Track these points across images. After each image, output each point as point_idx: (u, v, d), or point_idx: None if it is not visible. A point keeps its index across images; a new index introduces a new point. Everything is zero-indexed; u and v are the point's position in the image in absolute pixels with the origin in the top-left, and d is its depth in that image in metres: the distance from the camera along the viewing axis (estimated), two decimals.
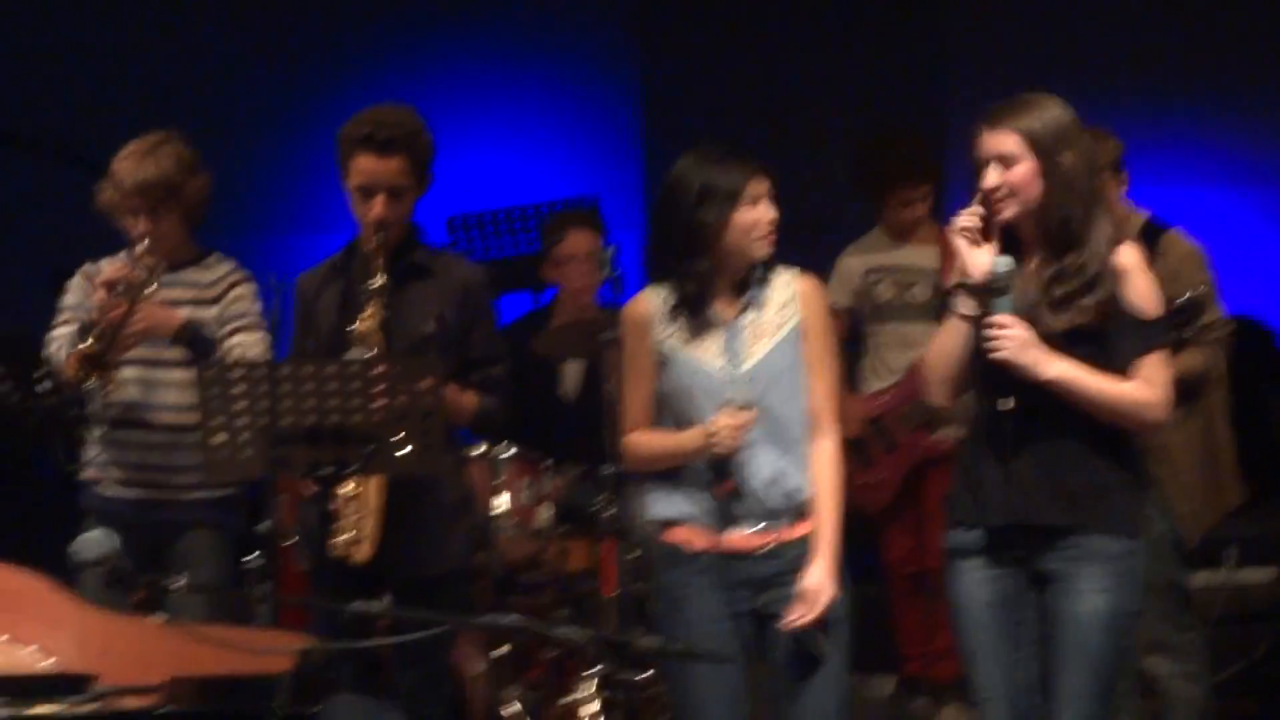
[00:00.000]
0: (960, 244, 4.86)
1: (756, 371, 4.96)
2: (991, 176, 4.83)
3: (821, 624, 4.90)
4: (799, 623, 4.89)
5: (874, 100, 10.17)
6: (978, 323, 4.84)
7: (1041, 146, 4.82)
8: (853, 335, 7.39)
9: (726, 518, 4.94)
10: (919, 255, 7.30)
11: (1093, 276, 4.83)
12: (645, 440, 5.02)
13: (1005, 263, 4.80)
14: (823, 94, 10.32)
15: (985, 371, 4.85)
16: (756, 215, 4.93)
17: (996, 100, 4.93)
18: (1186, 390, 6.17)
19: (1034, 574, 4.92)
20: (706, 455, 4.88)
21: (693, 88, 10.44)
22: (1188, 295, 5.90)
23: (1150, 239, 6.32)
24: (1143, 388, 4.86)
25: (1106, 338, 4.85)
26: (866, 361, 7.40)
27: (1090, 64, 9.93)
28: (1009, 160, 4.82)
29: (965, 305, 4.87)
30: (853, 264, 7.35)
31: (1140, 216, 6.46)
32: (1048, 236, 4.86)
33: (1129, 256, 4.92)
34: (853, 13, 10.37)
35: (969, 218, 4.87)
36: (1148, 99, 9.61)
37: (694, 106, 10.28)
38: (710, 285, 4.98)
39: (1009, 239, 4.88)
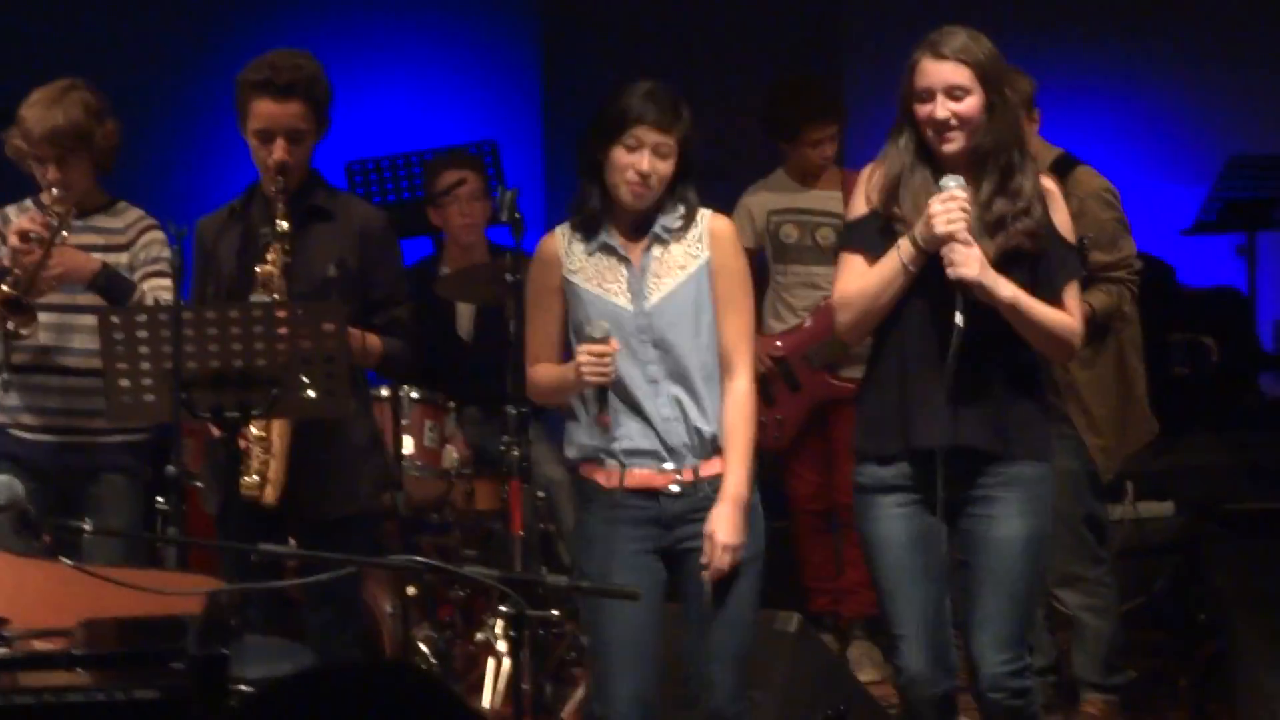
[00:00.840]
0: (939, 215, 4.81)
1: (658, 308, 4.95)
2: (943, 109, 4.84)
3: (732, 569, 4.92)
4: (706, 574, 4.90)
5: (772, 48, 10.22)
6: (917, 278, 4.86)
7: (989, 79, 4.85)
8: (756, 275, 7.43)
9: (634, 455, 4.95)
10: (824, 199, 7.34)
11: (1026, 202, 4.88)
12: (542, 373, 5.02)
13: (956, 180, 4.81)
14: (723, 41, 10.34)
15: (921, 301, 4.88)
16: (630, 160, 4.89)
17: (895, 46, 4.97)
18: (1098, 328, 6.25)
19: (949, 503, 4.95)
20: (584, 386, 4.89)
21: (593, 33, 10.44)
22: (1085, 242, 5.96)
23: (1062, 174, 6.39)
24: (1071, 316, 4.94)
25: (1037, 262, 4.91)
26: (770, 302, 7.43)
27: (984, 13, 10.01)
28: (959, 92, 4.85)
29: (912, 259, 4.86)
30: (756, 204, 7.38)
31: (1053, 151, 6.51)
32: (987, 166, 4.88)
33: (1050, 184, 5.00)
34: None
35: (953, 193, 4.82)
36: (1043, 49, 9.68)
37: (594, 52, 10.27)
38: (601, 219, 4.98)
39: (937, 171, 4.90)
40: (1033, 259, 4.90)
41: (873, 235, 4.95)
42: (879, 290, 4.91)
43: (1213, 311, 9.67)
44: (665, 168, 4.90)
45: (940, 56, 4.86)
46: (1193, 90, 10.71)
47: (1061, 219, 4.99)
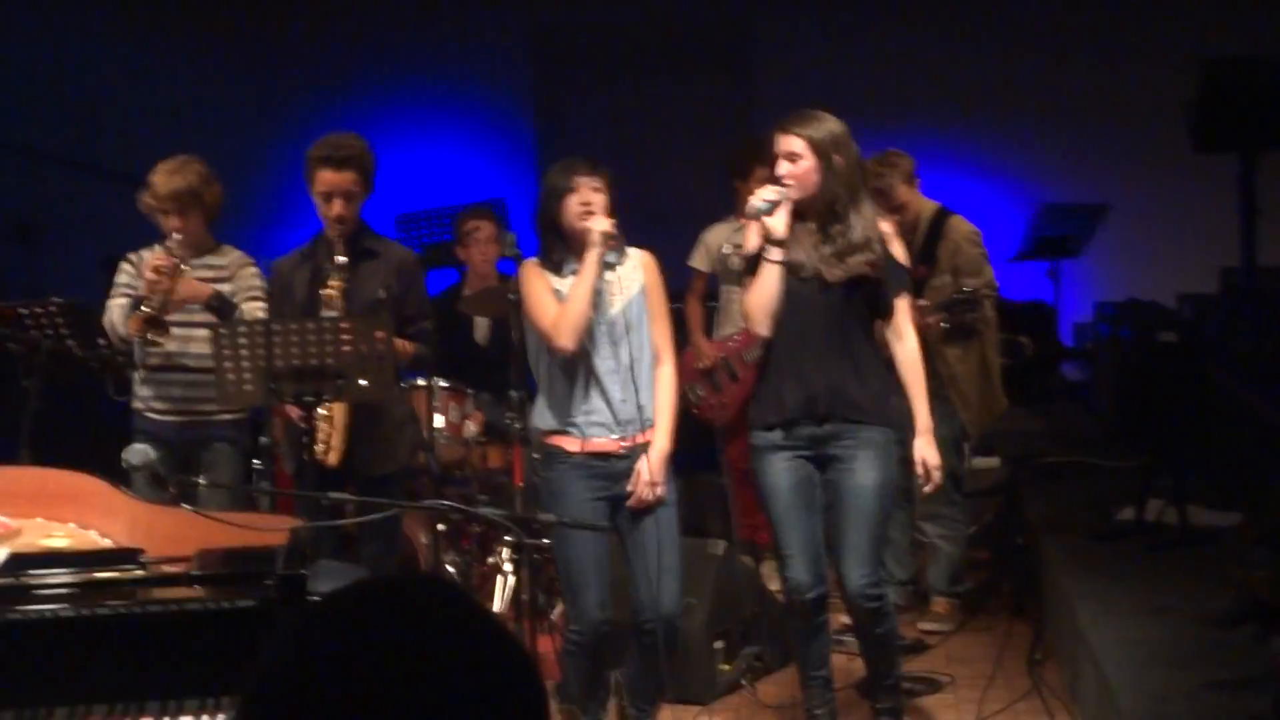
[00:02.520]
0: (762, 214, 4.89)
1: (616, 319, 4.97)
2: (782, 168, 4.90)
3: (657, 502, 4.93)
4: (630, 502, 4.93)
5: (706, 124, 10.28)
6: (786, 266, 4.89)
7: (820, 149, 4.90)
8: (711, 294, 7.45)
9: (592, 426, 4.97)
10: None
11: (860, 241, 4.92)
12: (561, 310, 4.92)
13: (768, 193, 4.87)
14: (671, 120, 10.41)
15: (791, 309, 4.91)
16: (579, 198, 4.90)
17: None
18: (968, 333, 6.33)
19: (820, 458, 5.02)
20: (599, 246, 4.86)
21: (574, 119, 10.50)
22: (965, 290, 6.02)
23: (939, 222, 6.44)
24: (910, 350, 5.00)
25: (879, 285, 4.95)
26: (720, 315, 7.43)
27: (878, 99, 10.11)
28: (795, 158, 4.91)
29: (774, 254, 4.92)
30: (714, 239, 7.31)
31: (932, 205, 6.55)
32: (820, 213, 4.94)
33: (888, 228, 5.04)
34: (689, 65, 10.47)
35: (768, 191, 4.93)
36: (916, 125, 9.77)
37: (576, 133, 10.33)
38: (564, 257, 4.98)
39: (800, 214, 4.94)
40: (875, 283, 4.95)
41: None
42: (760, 287, 4.94)
43: (1028, 318, 9.74)
44: (601, 199, 4.92)
45: (784, 131, 4.90)
46: (1012, 154, 10.84)
47: (896, 251, 5.02)
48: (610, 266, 4.99)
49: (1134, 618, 5.47)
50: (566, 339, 4.87)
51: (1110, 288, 10.32)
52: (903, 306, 5.03)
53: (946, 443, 6.11)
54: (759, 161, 7.14)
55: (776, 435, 5.00)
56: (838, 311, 4.93)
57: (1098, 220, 10.39)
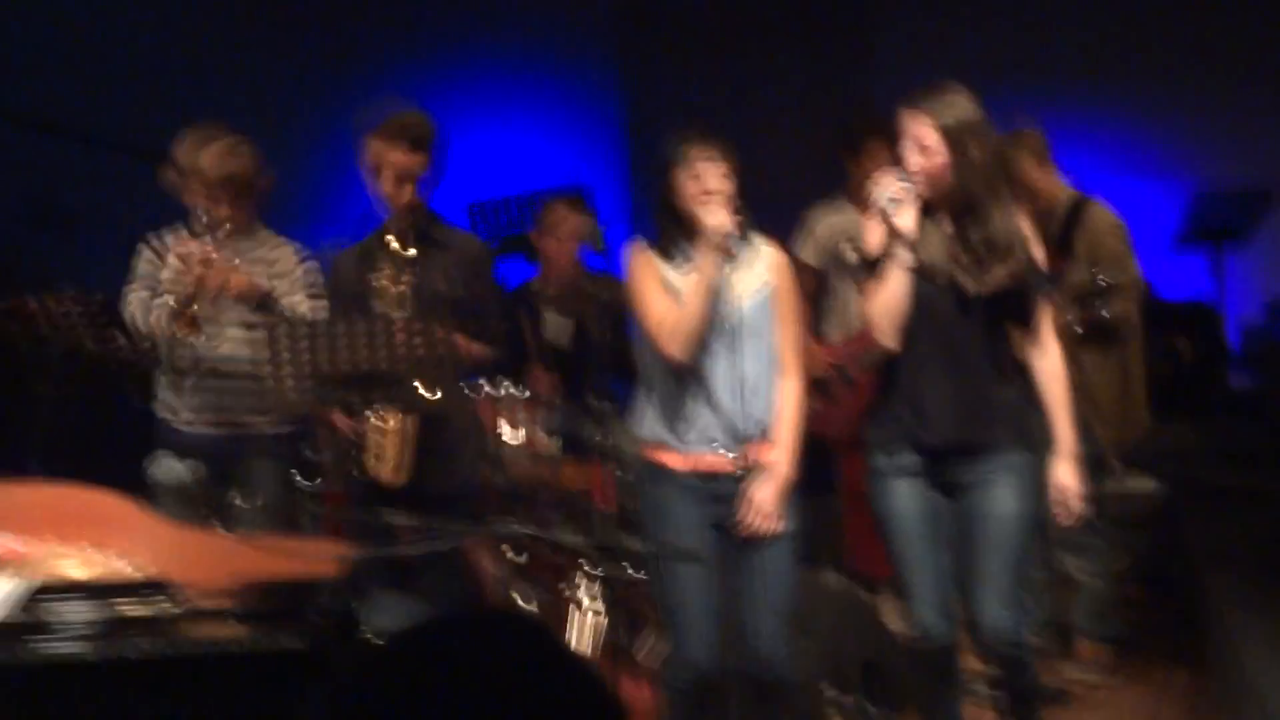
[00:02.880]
0: (888, 211, 4.81)
1: (740, 321, 4.93)
2: (912, 161, 4.80)
3: (777, 536, 4.90)
4: (740, 530, 4.89)
5: (816, 98, 10.22)
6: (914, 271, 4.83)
7: (954, 140, 4.78)
8: (821, 289, 7.38)
9: (702, 441, 4.92)
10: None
11: (1004, 246, 4.83)
12: (673, 313, 4.88)
13: (892, 188, 4.77)
14: (774, 92, 10.35)
15: (921, 321, 4.85)
16: (696, 182, 4.86)
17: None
18: (1108, 335, 6.22)
19: (952, 484, 4.94)
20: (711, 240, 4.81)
21: (666, 101, 10.48)
22: (1102, 282, 5.92)
23: (1078, 211, 6.36)
24: (1053, 363, 4.94)
25: (1021, 295, 4.88)
26: (832, 314, 7.37)
27: (1004, 68, 9.99)
28: (925, 150, 4.79)
29: (903, 257, 4.84)
30: (823, 229, 7.26)
31: (1070, 191, 6.48)
32: (956, 210, 4.85)
33: (1028, 228, 4.94)
34: (800, 23, 10.41)
35: (893, 186, 4.84)
36: (1051, 96, 9.65)
37: (667, 115, 10.29)
38: (676, 242, 4.94)
39: (930, 206, 4.86)
40: (1017, 294, 4.88)
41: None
42: (887, 296, 4.86)
43: (1187, 318, 9.62)
44: (718, 174, 4.86)
45: (914, 113, 4.80)
46: (1163, 134, 10.71)
47: (1036, 254, 4.94)
48: (731, 259, 4.93)
49: None
50: (677, 349, 4.86)
51: None
52: (1046, 317, 4.96)
53: (1083, 461, 6.03)
54: (874, 134, 7.07)
55: (902, 459, 4.93)
56: (976, 325, 4.87)
57: (1263, 209, 10.26)
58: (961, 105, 4.80)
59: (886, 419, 5.01)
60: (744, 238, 4.96)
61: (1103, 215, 6.44)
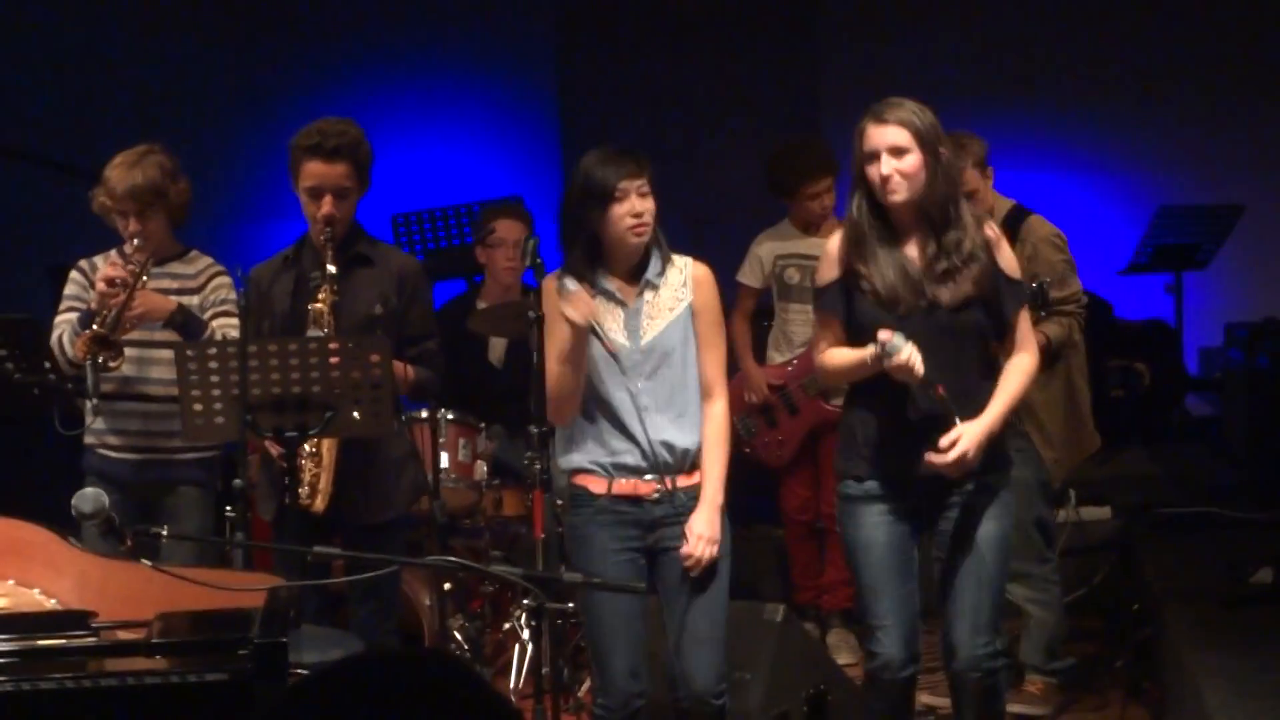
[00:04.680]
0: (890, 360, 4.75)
1: (652, 346, 4.96)
2: (886, 165, 4.85)
3: (711, 562, 4.93)
4: (688, 564, 4.91)
5: (760, 108, 10.24)
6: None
7: (926, 140, 4.85)
8: (762, 312, 7.43)
9: (621, 468, 4.96)
10: (823, 245, 7.27)
11: (969, 252, 4.89)
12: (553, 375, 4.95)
13: (892, 338, 4.73)
14: (715, 106, 10.37)
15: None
16: (627, 208, 4.89)
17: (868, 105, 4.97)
18: (1050, 355, 6.24)
19: (924, 511, 4.98)
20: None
21: (602, 106, 10.48)
22: (1036, 283, 5.96)
23: (1015, 223, 6.40)
24: (1027, 356, 4.96)
25: (990, 302, 4.91)
26: (773, 336, 7.40)
27: (947, 78, 10.07)
28: (900, 151, 4.84)
29: (878, 364, 4.80)
30: (765, 251, 7.31)
31: (1007, 203, 6.51)
32: (929, 218, 4.89)
33: (992, 230, 5.00)
34: (741, 37, 10.44)
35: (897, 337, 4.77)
36: (995, 113, 9.73)
37: (603, 122, 10.30)
38: (593, 271, 4.96)
39: (889, 229, 4.91)
40: (984, 299, 4.91)
41: (839, 298, 4.96)
42: (851, 371, 4.94)
43: (1145, 341, 9.68)
44: (650, 206, 4.91)
45: (881, 121, 4.84)
46: (1126, 148, 10.76)
47: (1006, 260, 4.97)
48: (650, 284, 4.99)
49: (1272, 700, 5.41)
50: (553, 416, 4.98)
51: (1243, 306, 10.23)
52: (1023, 322, 5.01)
53: (1028, 487, 6.08)
54: (806, 175, 7.15)
55: (872, 485, 4.98)
56: (946, 339, 4.88)
57: (1229, 225, 10.30)
58: (925, 110, 4.88)
59: (854, 444, 5.04)
60: (662, 257, 5.00)
61: (1041, 226, 6.45)
